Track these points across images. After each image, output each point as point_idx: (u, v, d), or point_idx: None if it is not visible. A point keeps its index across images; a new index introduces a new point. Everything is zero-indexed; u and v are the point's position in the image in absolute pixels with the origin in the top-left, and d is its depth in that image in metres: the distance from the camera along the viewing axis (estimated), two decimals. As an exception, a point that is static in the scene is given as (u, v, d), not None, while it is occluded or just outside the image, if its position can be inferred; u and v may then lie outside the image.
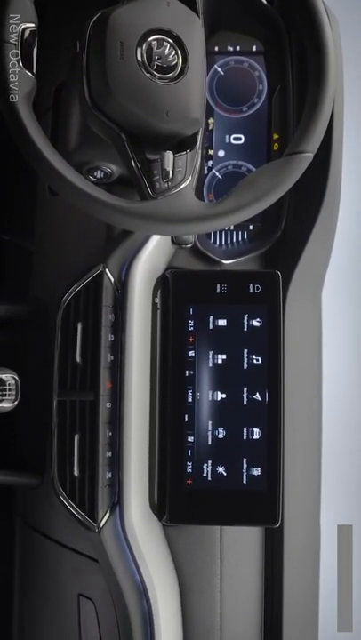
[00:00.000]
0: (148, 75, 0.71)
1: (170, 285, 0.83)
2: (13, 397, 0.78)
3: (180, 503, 0.81)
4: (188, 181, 0.72)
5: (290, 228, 0.88)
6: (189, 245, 0.79)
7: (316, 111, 0.72)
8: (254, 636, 0.86)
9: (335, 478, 1.21)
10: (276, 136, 0.89)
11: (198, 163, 0.73)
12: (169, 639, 0.81)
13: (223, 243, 0.89)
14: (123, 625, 0.81)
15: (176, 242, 0.78)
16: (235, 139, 0.90)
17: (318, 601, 0.93)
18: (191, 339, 0.83)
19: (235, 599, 0.84)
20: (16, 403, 0.79)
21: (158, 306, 0.83)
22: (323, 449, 0.94)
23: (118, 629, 0.81)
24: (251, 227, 0.90)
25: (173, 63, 0.72)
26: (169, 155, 0.70)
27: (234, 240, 0.89)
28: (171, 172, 0.70)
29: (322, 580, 0.99)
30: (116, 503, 0.79)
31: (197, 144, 0.73)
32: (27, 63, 0.69)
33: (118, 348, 0.80)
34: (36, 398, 0.84)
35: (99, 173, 0.83)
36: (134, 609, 0.80)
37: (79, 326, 0.80)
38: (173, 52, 0.72)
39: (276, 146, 0.89)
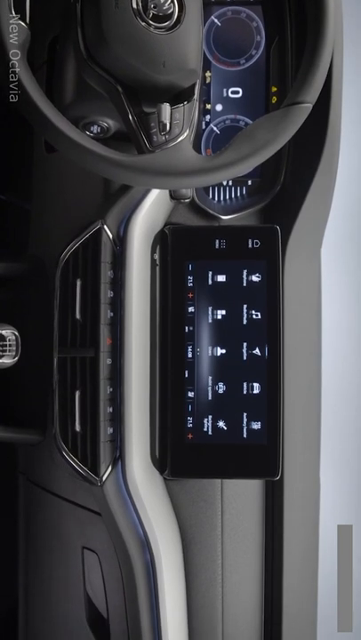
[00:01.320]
0: (143, 24, 0.69)
1: (168, 241, 0.83)
2: (14, 353, 0.79)
3: (181, 457, 0.81)
4: (185, 134, 0.71)
5: (289, 183, 0.88)
6: (187, 200, 0.78)
7: (315, 61, 0.71)
8: (256, 586, 0.88)
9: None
10: (274, 89, 0.87)
11: (196, 115, 0.73)
12: (172, 590, 0.82)
13: (222, 198, 0.89)
14: (126, 576, 0.82)
15: (174, 197, 0.77)
16: (232, 92, 0.88)
17: (318, 551, 0.95)
18: (190, 295, 0.83)
19: (236, 550, 0.86)
20: (16, 358, 0.79)
21: (157, 262, 0.83)
22: (322, 411, 0.95)
23: (122, 580, 0.83)
24: (249, 182, 0.89)
25: (169, 12, 0.70)
26: (166, 107, 0.69)
27: (232, 196, 0.89)
28: (168, 125, 0.70)
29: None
30: (118, 458, 0.80)
31: (195, 96, 0.72)
32: (20, 14, 0.68)
33: (118, 304, 0.80)
34: (37, 355, 0.84)
35: (95, 128, 0.82)
36: (137, 560, 0.81)
37: (78, 283, 0.80)
38: (169, 0, 0.70)
39: (274, 99, 0.87)
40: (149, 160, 0.69)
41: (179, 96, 0.72)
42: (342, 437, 1.15)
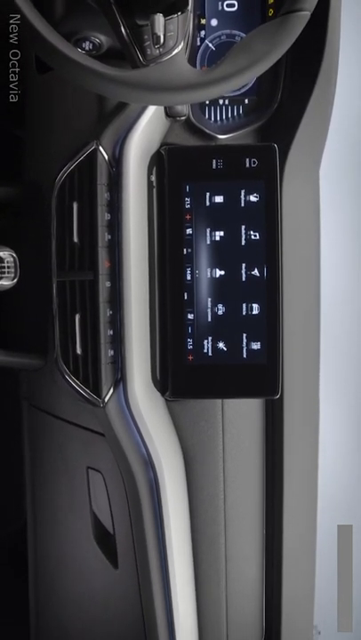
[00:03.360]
0: None
1: (165, 162, 0.81)
2: (12, 275, 0.79)
3: (181, 379, 0.82)
4: (180, 47, 0.69)
5: (286, 101, 0.86)
6: (183, 118, 0.77)
7: None
8: (257, 501, 0.90)
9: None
10: (271, 1, 0.85)
11: (190, 27, 0.71)
12: (175, 506, 0.85)
13: (218, 118, 0.87)
14: (131, 493, 0.84)
15: (170, 114, 0.76)
16: (228, 5, 0.86)
17: (317, 468, 0.97)
18: (188, 216, 0.82)
19: (237, 468, 0.88)
20: (15, 280, 0.79)
21: (154, 184, 0.82)
22: (321, 333, 0.96)
23: (127, 498, 0.85)
24: (246, 100, 0.87)
25: None
26: (159, 18, 0.67)
27: (229, 115, 0.87)
28: (162, 37, 0.68)
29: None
30: (120, 379, 0.81)
31: (189, 6, 0.70)
32: None
33: (115, 227, 0.80)
34: (36, 280, 0.84)
35: (87, 45, 0.80)
36: (141, 478, 0.83)
37: (75, 206, 0.79)
38: None
39: (271, 12, 0.85)
40: (143, 74, 0.67)
41: (172, 6, 0.70)
42: (341, 359, 1.16)
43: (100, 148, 0.79)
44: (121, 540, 0.89)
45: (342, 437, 1.20)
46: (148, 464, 0.83)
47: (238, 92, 0.87)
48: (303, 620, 1.00)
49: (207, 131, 0.84)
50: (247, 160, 0.81)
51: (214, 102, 0.87)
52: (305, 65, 0.83)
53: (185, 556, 0.87)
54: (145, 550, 0.85)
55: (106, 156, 0.79)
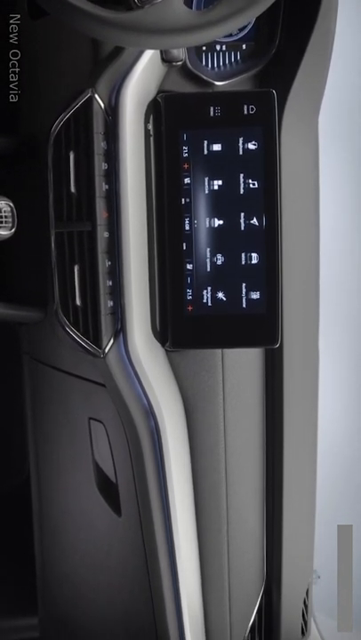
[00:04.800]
0: None
1: (162, 110, 0.80)
2: (10, 225, 0.78)
3: (181, 329, 0.83)
4: None
5: (284, 46, 0.84)
6: (179, 63, 0.76)
7: None
8: (257, 449, 0.92)
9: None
10: None
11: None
12: (176, 455, 0.86)
13: (215, 64, 0.85)
14: (132, 442, 0.85)
15: (166, 59, 0.74)
16: None
17: (317, 417, 0.98)
18: (186, 165, 0.81)
19: (238, 417, 0.89)
20: (13, 230, 0.79)
21: (151, 132, 0.81)
22: (320, 283, 0.96)
23: (129, 447, 0.86)
24: (243, 46, 0.86)
25: None
26: None
27: (226, 61, 0.85)
28: None
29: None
30: (120, 330, 0.81)
31: None
32: None
33: (113, 176, 0.79)
34: (34, 231, 0.84)
35: (81, -12, 0.78)
36: (142, 428, 0.84)
37: (71, 155, 0.79)
38: None
39: None
40: (139, 16, 0.66)
41: None
42: (340, 308, 1.17)
43: (96, 96, 0.77)
44: (123, 488, 0.90)
45: (342, 385, 1.21)
46: (150, 414, 0.84)
47: (235, 38, 0.85)
48: (303, 564, 1.02)
49: (204, 77, 0.82)
50: (245, 107, 0.80)
51: (211, 48, 0.85)
52: (303, 8, 0.82)
53: (187, 504, 0.88)
54: (147, 498, 0.86)
55: (102, 104, 0.78)
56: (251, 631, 0.96)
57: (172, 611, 0.89)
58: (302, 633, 1.04)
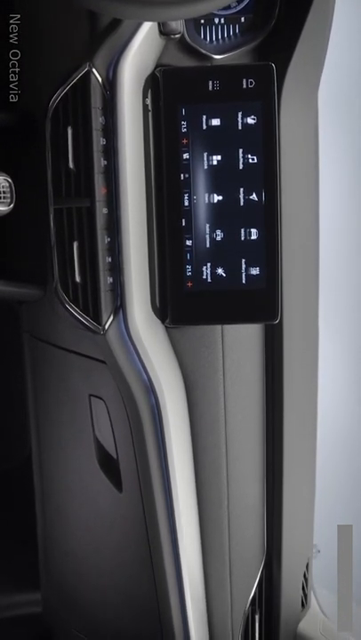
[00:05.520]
0: None
1: (160, 84, 0.80)
2: (9, 200, 0.78)
3: (181, 305, 0.83)
4: None
5: (283, 18, 0.83)
6: (178, 36, 0.75)
7: None
8: (258, 426, 0.92)
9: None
10: None
11: None
12: (177, 430, 0.86)
13: (214, 38, 0.85)
14: (133, 419, 0.86)
15: (164, 31, 0.73)
16: None
17: (316, 395, 0.98)
18: (185, 140, 0.81)
19: (238, 393, 0.89)
20: (12, 206, 0.79)
21: (149, 107, 0.81)
22: (320, 259, 0.95)
23: (129, 424, 0.87)
24: (242, 19, 0.85)
25: None
26: None
27: (225, 34, 0.84)
28: None
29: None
30: (119, 306, 0.81)
31: None
32: None
33: (111, 152, 0.79)
34: (33, 208, 0.84)
35: None
36: (143, 404, 0.84)
37: (69, 131, 0.78)
38: None
39: None
40: None
41: None
42: (339, 284, 1.17)
43: (94, 70, 0.77)
44: (124, 464, 0.91)
45: (342, 361, 1.21)
46: (150, 390, 0.84)
47: (234, 10, 0.84)
48: (303, 538, 1.03)
49: (203, 51, 0.82)
50: (244, 80, 0.79)
51: (209, 21, 0.84)
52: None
53: (187, 479, 0.89)
54: (148, 473, 0.86)
55: (99, 79, 0.77)
56: (251, 604, 0.97)
57: (173, 584, 0.90)
58: (302, 605, 1.06)
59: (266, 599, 1.00)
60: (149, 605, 0.94)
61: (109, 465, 0.93)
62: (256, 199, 0.81)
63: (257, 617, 0.99)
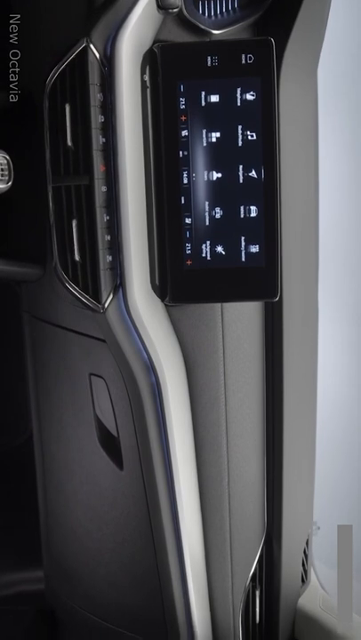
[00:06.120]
0: None
1: (158, 60, 0.79)
2: (7, 178, 0.77)
3: (180, 283, 0.82)
4: None
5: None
6: (176, 10, 0.74)
7: None
8: (257, 403, 0.92)
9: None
10: None
11: None
12: (177, 409, 0.87)
13: (212, 13, 0.84)
14: (133, 398, 0.86)
15: (162, 6, 0.73)
16: None
17: (316, 372, 0.98)
18: (183, 117, 0.80)
19: (238, 371, 0.89)
20: (10, 184, 0.78)
21: (147, 84, 0.80)
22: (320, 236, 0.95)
23: (129, 401, 0.87)
24: (241, -6, 0.84)
25: None
26: None
27: (223, 9, 0.83)
28: None
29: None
30: (119, 285, 0.81)
31: None
32: None
33: (109, 129, 0.78)
34: (32, 185, 0.83)
35: None
36: (143, 383, 0.85)
37: (67, 108, 0.77)
38: None
39: None
40: None
41: None
42: (339, 261, 1.16)
43: (91, 46, 0.76)
44: (125, 442, 0.91)
45: (342, 339, 1.21)
46: (150, 368, 0.84)
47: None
48: (303, 515, 1.04)
49: (201, 26, 0.81)
50: (243, 56, 0.79)
51: (208, -4, 0.84)
52: None
53: (188, 457, 0.89)
54: (149, 451, 0.87)
55: (97, 55, 0.76)
56: (252, 580, 0.98)
57: (174, 560, 0.91)
58: (302, 581, 1.07)
59: (266, 575, 1.01)
60: (151, 581, 0.95)
61: (110, 443, 0.94)
62: (255, 176, 0.81)
63: (257, 592, 1.00)
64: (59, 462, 1.03)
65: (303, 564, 1.07)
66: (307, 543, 1.07)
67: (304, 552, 1.06)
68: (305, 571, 1.07)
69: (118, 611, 1.03)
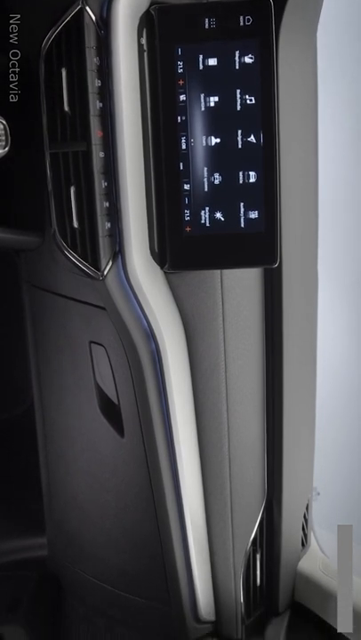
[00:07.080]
0: None
1: (155, 23, 0.78)
2: (4, 143, 0.77)
3: (180, 250, 0.82)
4: None
5: None
6: (173, -30, 0.72)
7: None
8: (257, 370, 0.93)
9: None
10: None
11: None
12: (177, 376, 0.87)
13: (210, -25, 0.82)
14: (134, 365, 0.86)
15: (158, -34, 0.71)
16: None
17: (316, 339, 0.99)
18: (181, 82, 0.79)
19: (238, 338, 0.89)
20: (7, 149, 0.78)
21: (144, 47, 0.79)
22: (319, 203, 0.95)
23: (130, 369, 0.87)
24: None
25: None
26: None
27: (221, -30, 0.82)
28: None
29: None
30: (118, 252, 0.80)
31: None
32: None
33: (106, 94, 0.77)
34: (30, 151, 0.82)
35: None
36: (143, 350, 0.85)
37: (64, 72, 0.76)
38: None
39: None
40: None
41: None
42: (338, 230, 1.16)
43: (87, 8, 0.75)
44: (126, 409, 0.92)
45: (341, 305, 1.21)
46: (150, 336, 0.84)
47: None
48: (303, 481, 1.05)
49: (198, -13, 0.79)
50: (241, 17, 0.77)
51: None
52: None
53: (188, 423, 0.90)
54: (149, 418, 0.87)
55: (93, 17, 0.75)
56: (253, 544, 1.00)
57: (175, 525, 0.92)
58: (302, 545, 1.08)
59: (267, 539, 1.02)
60: (153, 546, 0.96)
61: (111, 411, 0.94)
62: (254, 141, 0.80)
63: (258, 556, 1.01)
64: (59, 430, 1.04)
65: (303, 529, 1.08)
66: (307, 508, 1.08)
67: (304, 517, 1.08)
68: (305, 535, 1.09)
69: (121, 575, 1.05)
